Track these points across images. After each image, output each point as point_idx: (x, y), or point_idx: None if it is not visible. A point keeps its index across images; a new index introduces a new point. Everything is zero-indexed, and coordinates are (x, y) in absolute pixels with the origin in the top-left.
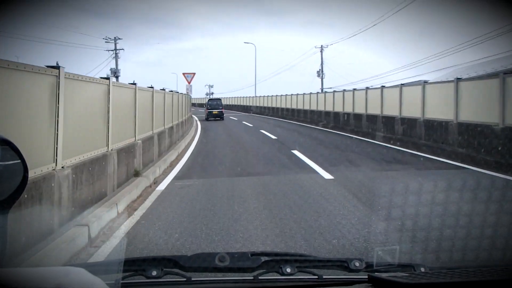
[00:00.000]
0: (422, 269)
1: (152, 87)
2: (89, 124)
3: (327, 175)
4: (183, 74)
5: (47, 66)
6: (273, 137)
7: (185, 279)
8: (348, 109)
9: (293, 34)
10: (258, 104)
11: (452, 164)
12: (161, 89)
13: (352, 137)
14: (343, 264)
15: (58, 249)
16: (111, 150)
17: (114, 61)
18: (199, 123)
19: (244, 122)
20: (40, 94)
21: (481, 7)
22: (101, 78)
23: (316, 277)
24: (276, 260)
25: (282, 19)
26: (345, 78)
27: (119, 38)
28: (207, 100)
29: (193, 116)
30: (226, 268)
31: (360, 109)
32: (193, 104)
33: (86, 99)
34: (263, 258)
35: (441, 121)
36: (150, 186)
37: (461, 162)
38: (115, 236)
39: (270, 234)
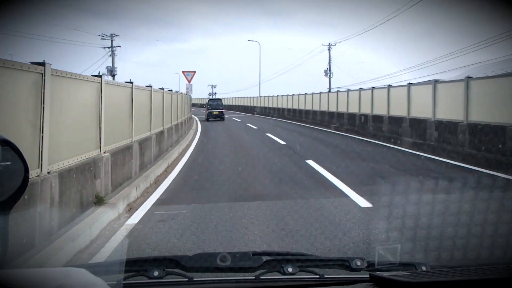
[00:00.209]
0: (424, 268)
1: (131, 82)
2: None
3: (361, 201)
4: (183, 72)
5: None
6: (282, 142)
7: (186, 279)
8: (365, 110)
9: (295, 35)
10: (262, 105)
11: None
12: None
13: (373, 142)
14: (344, 263)
15: None
16: (47, 173)
17: (114, 59)
18: (199, 124)
19: (248, 124)
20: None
21: (492, 8)
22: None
23: (318, 276)
24: (278, 260)
25: (283, 20)
26: (354, 77)
27: (116, 35)
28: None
29: (193, 116)
30: (228, 268)
31: (380, 110)
32: (194, 105)
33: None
34: (265, 258)
35: (494, 126)
36: (119, 218)
37: None
38: None
39: None
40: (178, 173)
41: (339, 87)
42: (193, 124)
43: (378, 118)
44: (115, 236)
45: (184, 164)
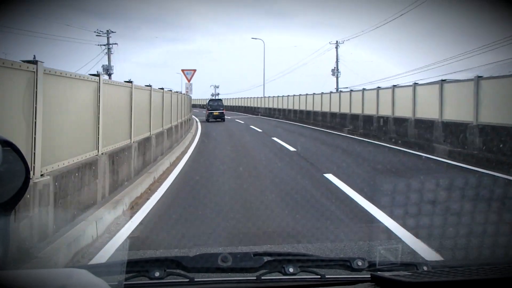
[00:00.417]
0: (425, 268)
1: (97, 75)
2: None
3: (425, 250)
4: (182, 70)
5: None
6: (291, 148)
7: (188, 280)
8: (385, 111)
9: (299, 35)
10: (266, 106)
11: None
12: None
13: (398, 150)
14: (345, 264)
15: None
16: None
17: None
18: (199, 126)
19: (252, 127)
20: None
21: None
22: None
23: (319, 276)
24: (279, 260)
25: (287, 20)
26: (362, 77)
27: (112, 32)
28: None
29: (194, 117)
30: (229, 268)
31: (403, 112)
32: (195, 106)
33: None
34: (266, 258)
35: None
36: None
37: None
38: None
39: None
40: (164, 193)
41: (347, 87)
42: (193, 126)
43: (401, 121)
44: None
45: (174, 180)
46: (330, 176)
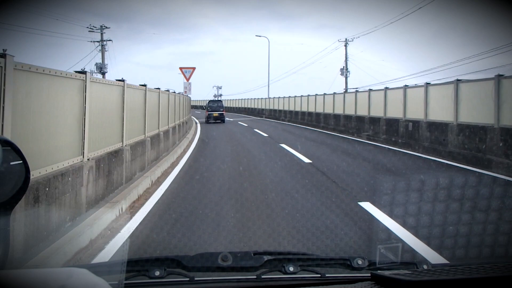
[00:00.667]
0: (425, 267)
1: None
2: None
3: None
4: (181, 68)
5: None
6: (305, 159)
7: (188, 279)
8: (414, 114)
9: (304, 37)
10: (271, 107)
11: None
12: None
13: (442, 162)
14: (345, 262)
15: None
16: None
17: (104, 54)
18: (198, 129)
19: (256, 131)
20: None
21: None
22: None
23: (319, 275)
24: (279, 259)
25: (291, 22)
26: (374, 77)
27: (106, 27)
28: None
29: (193, 118)
30: (229, 267)
31: (438, 115)
32: (195, 107)
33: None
34: (266, 257)
35: None
36: None
37: None
38: None
39: None
40: (137, 226)
41: (356, 88)
42: (191, 129)
43: (437, 127)
44: None
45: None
46: (369, 207)
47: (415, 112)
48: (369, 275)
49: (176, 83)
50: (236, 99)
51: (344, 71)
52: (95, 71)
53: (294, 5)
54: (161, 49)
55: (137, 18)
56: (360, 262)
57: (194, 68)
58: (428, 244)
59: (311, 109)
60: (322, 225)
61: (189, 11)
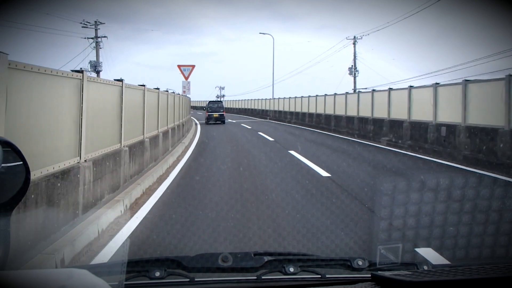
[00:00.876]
0: (425, 267)
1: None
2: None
3: None
4: (179, 66)
5: None
6: (322, 172)
7: (188, 280)
8: (447, 117)
9: (308, 38)
10: (276, 108)
11: None
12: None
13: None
14: (346, 263)
15: None
16: None
17: (98, 52)
18: (198, 131)
19: (261, 134)
20: None
21: None
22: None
23: (319, 276)
24: (279, 260)
25: (294, 23)
26: (384, 77)
27: (101, 23)
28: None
29: (193, 119)
30: (229, 268)
31: (482, 119)
32: (196, 107)
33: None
34: (266, 258)
35: None
36: None
37: None
38: None
39: None
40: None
41: (366, 88)
42: (189, 132)
43: (479, 132)
44: None
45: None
46: (431, 255)
47: (450, 115)
48: (370, 275)
49: (177, 83)
50: (238, 100)
51: (353, 70)
52: (89, 70)
53: (294, 5)
54: (163, 49)
55: (138, 18)
56: (360, 262)
57: (193, 66)
58: None
59: (320, 111)
60: None
61: (189, 11)
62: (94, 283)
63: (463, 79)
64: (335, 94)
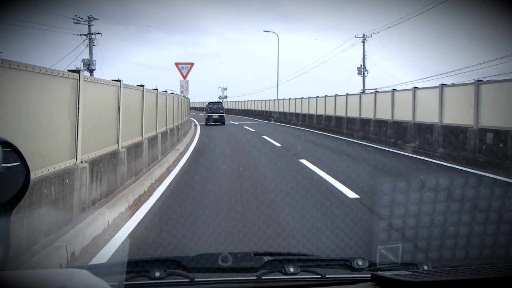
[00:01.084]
0: (425, 267)
1: (77, 71)
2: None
3: None
4: (176, 64)
5: None
6: (346, 190)
7: (188, 280)
8: (496, 120)
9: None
10: (281, 110)
11: None
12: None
13: None
14: (346, 263)
15: None
16: None
17: (92, 49)
18: (197, 134)
19: (266, 138)
20: None
21: None
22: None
23: (319, 276)
24: (279, 260)
25: (298, 24)
26: (394, 76)
27: (94, 18)
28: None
29: (193, 120)
30: (229, 268)
31: None
32: (196, 108)
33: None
34: (266, 258)
35: None
36: None
37: None
38: None
39: None
40: None
41: (375, 88)
42: (187, 135)
43: None
44: None
45: None
46: None
47: (497, 118)
48: (370, 275)
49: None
50: (241, 101)
51: (362, 70)
52: (82, 68)
53: (297, 6)
54: (165, 50)
55: (139, 18)
56: (360, 262)
57: (192, 64)
58: None
59: (330, 112)
60: None
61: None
62: (94, 283)
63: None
64: (347, 94)
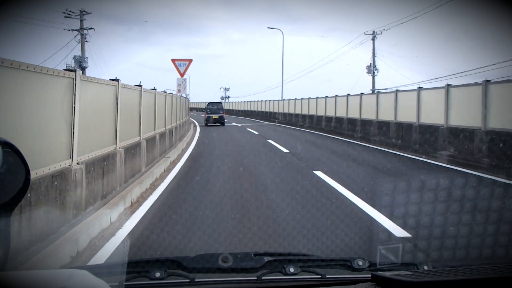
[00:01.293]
0: (425, 267)
1: (73, 70)
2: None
3: None
4: (173, 60)
5: None
6: (384, 220)
7: (188, 280)
8: None
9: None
10: (286, 111)
11: None
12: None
13: None
14: (346, 263)
15: None
16: None
17: (84, 45)
18: (196, 136)
19: (271, 142)
20: None
21: None
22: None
23: (320, 276)
24: (279, 260)
25: (304, 25)
26: (406, 76)
27: (86, 12)
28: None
29: (193, 121)
30: (230, 268)
31: None
32: (197, 109)
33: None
34: (266, 258)
35: None
36: None
37: None
38: None
39: None
40: None
41: (386, 88)
42: (185, 137)
43: None
44: None
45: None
46: None
47: None
48: (370, 276)
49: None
50: (244, 102)
51: (372, 69)
52: (74, 66)
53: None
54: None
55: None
56: (360, 263)
57: (190, 61)
58: None
59: (341, 114)
60: None
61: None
62: (94, 283)
63: None
64: (361, 94)
